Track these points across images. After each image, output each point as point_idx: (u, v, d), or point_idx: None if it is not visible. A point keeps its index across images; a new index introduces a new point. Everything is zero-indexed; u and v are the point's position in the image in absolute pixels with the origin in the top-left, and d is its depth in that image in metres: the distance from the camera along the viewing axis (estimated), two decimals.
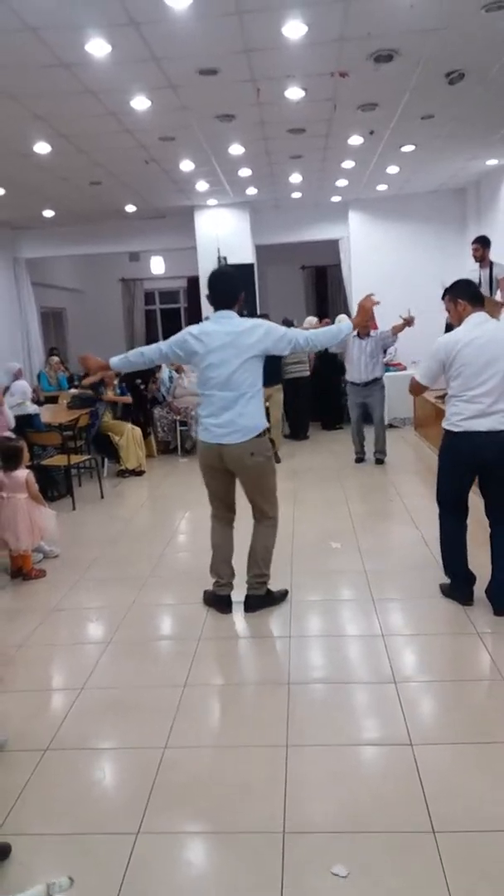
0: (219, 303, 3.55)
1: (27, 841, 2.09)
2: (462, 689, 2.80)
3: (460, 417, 3.40)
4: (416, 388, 3.75)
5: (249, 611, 3.66)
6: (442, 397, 6.86)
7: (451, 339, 3.45)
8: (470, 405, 3.36)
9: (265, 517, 3.68)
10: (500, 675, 2.86)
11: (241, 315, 3.57)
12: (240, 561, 3.75)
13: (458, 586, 3.63)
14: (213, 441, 3.48)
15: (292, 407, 8.42)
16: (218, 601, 3.73)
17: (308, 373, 8.73)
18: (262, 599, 3.69)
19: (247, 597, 3.70)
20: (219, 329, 3.46)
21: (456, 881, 1.83)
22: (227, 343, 3.42)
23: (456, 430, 3.42)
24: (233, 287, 3.57)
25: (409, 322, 6.33)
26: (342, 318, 7.51)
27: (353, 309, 9.95)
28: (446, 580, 3.74)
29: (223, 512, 3.77)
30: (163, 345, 3.63)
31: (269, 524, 3.70)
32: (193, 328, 3.56)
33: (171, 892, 1.88)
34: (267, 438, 3.57)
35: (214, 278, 3.61)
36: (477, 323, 3.41)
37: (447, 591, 3.69)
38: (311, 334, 3.58)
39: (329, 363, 8.82)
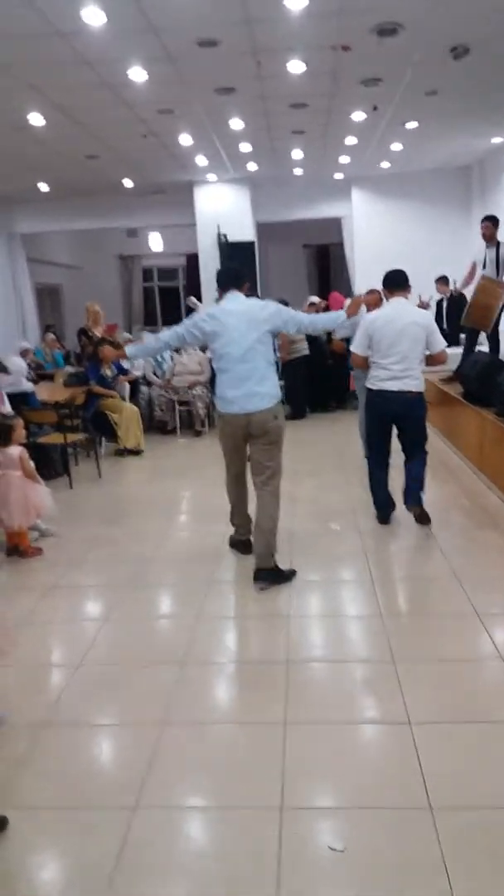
0: (227, 285, 3.87)
1: (24, 815, 2.10)
2: (461, 669, 2.81)
3: (377, 379, 4.36)
4: (355, 358, 4.56)
5: (259, 582, 3.70)
6: (445, 380, 6.87)
7: (373, 317, 4.43)
8: (384, 370, 4.30)
9: (271, 481, 3.82)
10: (500, 655, 2.87)
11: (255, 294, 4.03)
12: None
13: (380, 510, 4.58)
14: (240, 412, 3.72)
15: (292, 387, 8.38)
16: (240, 544, 4.16)
17: (307, 352, 8.67)
18: (272, 573, 3.73)
19: (257, 570, 3.74)
20: (232, 308, 3.76)
21: (453, 857, 1.85)
22: (242, 319, 3.70)
23: (374, 388, 4.39)
24: (240, 273, 3.95)
25: (424, 306, 6.26)
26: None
27: (357, 290, 9.94)
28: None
29: (241, 471, 4.02)
30: (179, 328, 3.87)
31: (273, 490, 3.83)
32: (209, 311, 3.88)
33: (169, 866, 1.90)
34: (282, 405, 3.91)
35: (224, 266, 4.30)
36: (394, 306, 4.37)
37: (378, 519, 4.57)
38: (313, 318, 4.15)
39: (320, 347, 8.77)
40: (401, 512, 4.78)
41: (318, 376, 8.97)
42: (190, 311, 4.66)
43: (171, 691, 2.73)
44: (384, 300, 5.09)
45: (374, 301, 5.50)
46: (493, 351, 6.55)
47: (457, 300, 8.00)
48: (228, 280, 3.90)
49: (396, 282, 4.42)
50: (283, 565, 3.86)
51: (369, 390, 4.44)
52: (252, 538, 3.91)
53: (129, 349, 4.06)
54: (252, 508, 4.02)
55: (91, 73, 5.16)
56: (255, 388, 3.70)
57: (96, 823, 2.06)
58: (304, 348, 8.57)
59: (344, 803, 2.11)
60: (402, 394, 4.27)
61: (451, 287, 7.12)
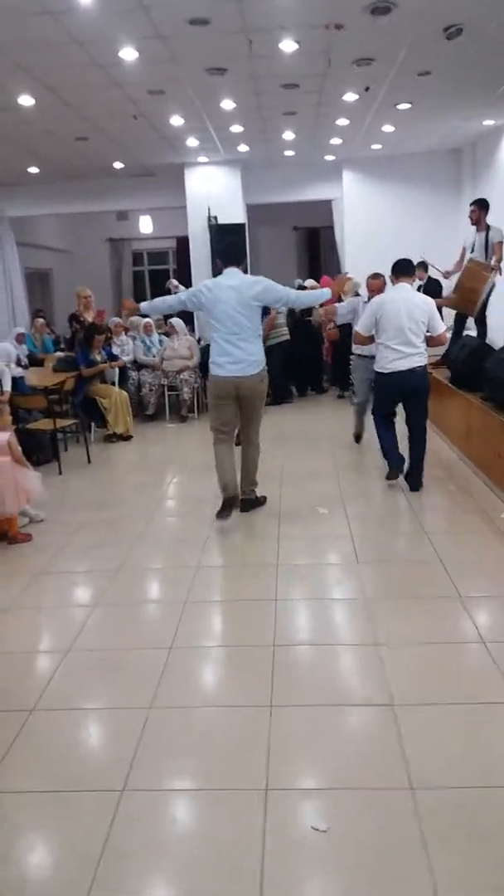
0: (228, 261, 4.44)
1: (13, 798, 2.13)
2: (444, 652, 2.85)
3: (387, 360, 4.69)
4: (358, 337, 5.05)
5: (245, 510, 4.58)
6: (433, 365, 6.88)
7: (380, 300, 4.79)
8: (393, 351, 4.64)
9: (253, 442, 4.60)
10: (481, 638, 2.91)
11: (246, 272, 4.54)
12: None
13: (392, 463, 4.91)
14: (229, 375, 4.30)
15: (274, 372, 8.28)
16: (230, 501, 4.45)
17: (288, 337, 8.61)
18: (254, 502, 4.67)
19: (242, 501, 4.56)
20: (226, 283, 4.32)
21: (432, 835, 1.89)
22: (234, 293, 4.26)
23: (385, 371, 4.72)
24: (240, 250, 4.69)
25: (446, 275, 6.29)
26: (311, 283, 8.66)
27: (345, 270, 9.89)
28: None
29: (228, 434, 4.55)
30: (182, 295, 4.62)
31: (255, 447, 4.63)
32: (207, 282, 4.50)
33: (155, 847, 1.93)
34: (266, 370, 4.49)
35: (227, 244, 4.91)
36: (399, 290, 4.75)
37: (387, 475, 4.95)
38: (299, 294, 4.66)
39: (303, 329, 8.74)
40: (388, 497, 4.81)
41: (304, 357, 8.99)
42: (170, 292, 5.04)
43: (159, 675, 2.76)
44: (388, 285, 5.20)
45: (378, 287, 5.60)
46: (481, 336, 6.56)
47: (433, 285, 8.02)
48: (230, 256, 4.45)
49: (404, 268, 4.82)
50: (271, 550, 3.94)
51: (380, 373, 4.80)
52: (239, 480, 4.56)
53: (142, 305, 4.65)
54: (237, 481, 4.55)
55: (81, 52, 5.08)
56: (243, 355, 4.28)
57: (84, 807, 2.09)
58: (283, 333, 8.52)
59: (327, 784, 2.14)
60: (411, 371, 4.64)
61: (441, 270, 7.11)
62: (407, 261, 4.86)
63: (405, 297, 4.67)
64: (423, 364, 4.70)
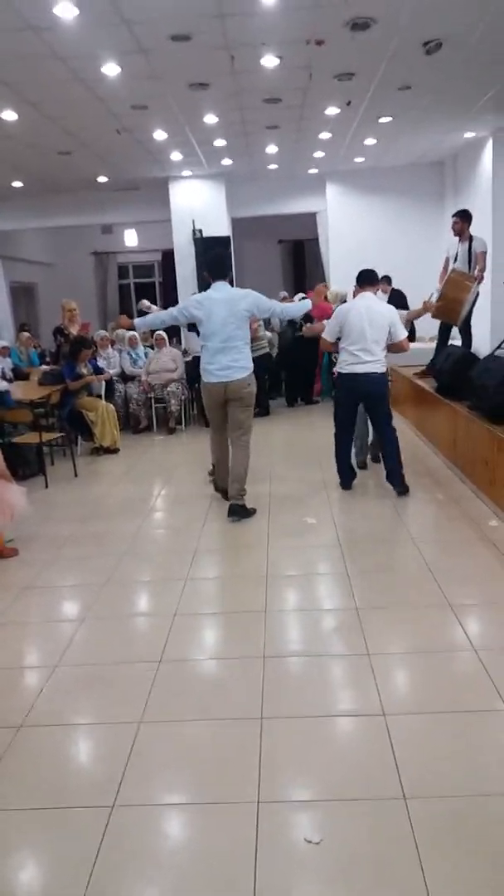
0: (217, 275, 4.72)
1: (2, 816, 2.09)
2: (434, 660, 2.85)
3: (346, 363, 4.94)
4: (324, 343, 5.20)
5: (233, 516, 4.70)
6: (420, 374, 6.93)
7: (345, 307, 5.00)
8: (352, 356, 4.88)
9: (243, 437, 4.80)
10: (472, 646, 2.91)
11: (232, 285, 4.83)
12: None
13: (343, 479, 5.26)
14: (218, 381, 4.66)
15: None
16: (224, 492, 4.95)
17: (266, 350, 8.65)
18: (243, 509, 4.75)
19: (231, 506, 4.74)
20: (216, 296, 4.63)
21: (426, 845, 1.87)
22: (224, 306, 4.58)
23: (343, 371, 4.99)
24: (226, 263, 4.91)
25: (428, 309, 6.05)
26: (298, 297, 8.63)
27: (331, 283, 9.98)
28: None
29: (220, 433, 4.94)
30: (173, 310, 4.88)
31: (245, 443, 4.81)
32: (196, 296, 4.86)
33: (147, 863, 1.90)
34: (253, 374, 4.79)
35: (213, 256, 5.03)
36: (362, 298, 4.98)
37: (341, 486, 5.25)
38: (285, 306, 5.08)
39: (297, 340, 8.79)
40: (376, 506, 4.82)
41: (294, 369, 9.02)
42: (142, 313, 5.20)
43: (149, 689, 2.73)
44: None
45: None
46: (466, 345, 6.61)
47: (397, 296, 8.08)
48: (218, 270, 4.74)
49: (368, 278, 5.08)
50: (261, 560, 3.92)
51: (339, 374, 5.06)
52: (228, 483, 4.84)
53: (136, 321, 5.06)
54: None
55: (64, 68, 5.11)
56: (231, 363, 4.63)
57: (74, 823, 2.06)
58: (263, 346, 8.55)
59: (319, 796, 2.13)
60: (368, 375, 4.88)
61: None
62: (370, 271, 5.09)
63: (368, 306, 4.90)
64: (379, 371, 4.93)
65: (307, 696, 2.64)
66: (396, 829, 1.94)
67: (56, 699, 2.72)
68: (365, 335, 4.82)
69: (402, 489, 4.98)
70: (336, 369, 5.09)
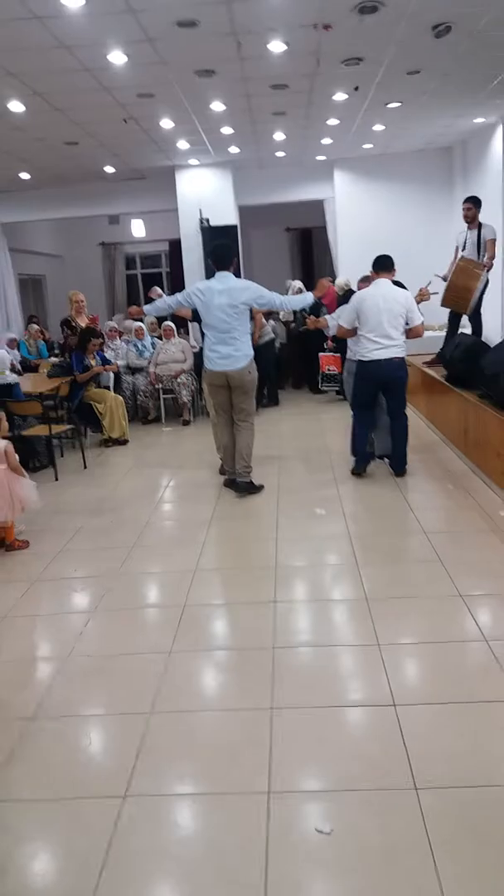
0: (219, 265, 4.83)
1: (14, 807, 2.11)
2: (445, 650, 2.84)
3: (367, 350, 4.99)
4: (340, 330, 5.24)
5: (238, 493, 4.96)
6: (430, 362, 6.89)
7: (361, 294, 5.12)
8: (372, 343, 4.95)
9: (247, 419, 5.00)
10: (483, 637, 2.90)
11: (237, 276, 4.91)
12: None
13: (358, 461, 5.26)
14: (219, 369, 4.81)
15: (263, 374, 8.21)
16: (232, 483, 5.09)
17: (272, 336, 8.60)
18: (248, 485, 4.99)
19: (238, 483, 4.98)
20: (217, 286, 4.75)
21: (437, 835, 1.87)
22: (225, 296, 4.70)
23: (365, 359, 5.01)
24: (229, 253, 4.90)
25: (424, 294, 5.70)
26: (298, 284, 8.85)
27: (339, 271, 9.92)
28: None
29: (226, 417, 5.07)
30: (178, 296, 4.99)
31: (249, 424, 5.01)
32: (199, 284, 4.91)
33: (158, 853, 1.91)
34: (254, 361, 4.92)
35: (216, 247, 5.08)
36: (379, 285, 5.02)
37: (352, 470, 5.27)
38: (285, 298, 5.10)
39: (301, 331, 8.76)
40: (385, 497, 4.80)
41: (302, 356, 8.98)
42: (151, 300, 5.18)
43: (159, 680, 2.74)
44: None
45: (326, 284, 5.70)
46: (476, 332, 6.56)
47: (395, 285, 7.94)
48: (221, 260, 4.83)
49: (384, 265, 5.08)
50: (269, 551, 3.92)
51: (360, 362, 5.08)
52: (235, 461, 5.02)
53: (145, 307, 5.18)
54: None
55: (70, 57, 5.06)
56: (232, 351, 4.77)
57: (85, 814, 2.07)
58: (268, 332, 8.50)
59: (330, 786, 2.13)
60: (390, 361, 4.94)
61: (441, 276, 7.01)
62: (386, 257, 5.10)
63: (384, 293, 4.96)
64: (400, 356, 4.98)
65: (317, 687, 2.64)
66: (408, 820, 1.94)
67: (67, 690, 2.74)
68: (382, 322, 4.89)
69: (402, 472, 5.15)
70: (356, 357, 5.13)
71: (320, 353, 8.62)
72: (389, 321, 4.89)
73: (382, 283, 5.02)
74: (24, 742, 2.42)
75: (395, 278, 5.22)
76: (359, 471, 5.24)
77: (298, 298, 5.30)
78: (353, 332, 5.11)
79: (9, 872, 1.87)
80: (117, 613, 3.40)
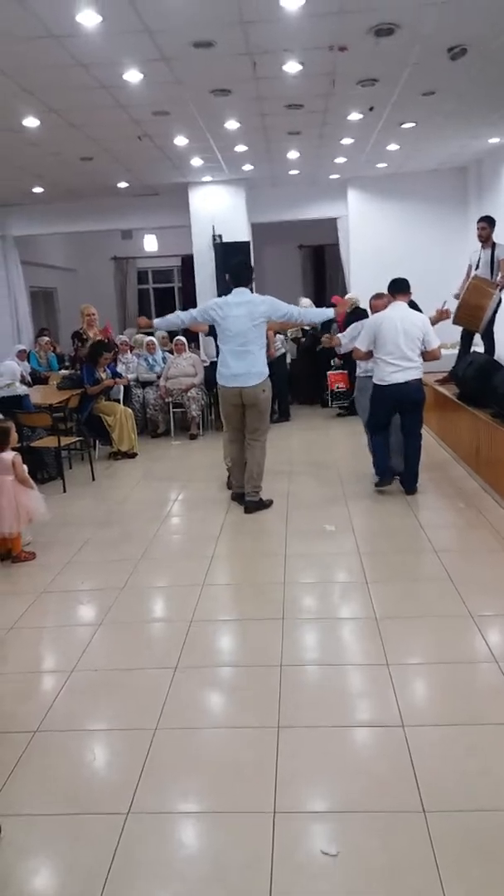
0: (238, 281, 4.89)
1: (18, 822, 2.08)
2: (455, 671, 2.80)
3: (385, 374, 4.97)
4: (357, 353, 5.23)
5: (248, 512, 4.92)
6: (441, 381, 6.87)
7: (378, 318, 5.08)
8: (390, 366, 4.94)
9: (259, 437, 4.99)
10: (493, 658, 2.86)
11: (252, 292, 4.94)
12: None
13: (381, 476, 5.21)
14: (234, 385, 4.82)
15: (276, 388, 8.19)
16: (239, 497, 5.10)
17: (284, 350, 8.60)
18: (257, 504, 4.96)
19: (246, 503, 4.96)
20: (235, 301, 4.82)
21: (445, 859, 1.83)
22: (241, 311, 4.75)
23: (383, 383, 5.00)
24: (247, 271, 5.02)
25: (443, 314, 5.55)
26: (307, 302, 8.82)
27: (351, 289, 9.94)
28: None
29: (238, 434, 5.06)
30: (193, 311, 5.03)
31: (261, 444, 4.99)
32: (217, 300, 4.97)
33: (161, 871, 1.88)
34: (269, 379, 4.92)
35: (235, 265, 5.19)
36: (396, 307, 5.03)
37: (377, 484, 5.22)
38: (304, 311, 5.14)
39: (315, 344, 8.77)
40: (396, 514, 4.77)
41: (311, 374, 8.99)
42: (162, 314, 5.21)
43: (165, 695, 2.72)
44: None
45: (381, 306, 5.48)
46: (488, 351, 6.54)
47: (410, 306, 7.90)
48: (239, 277, 4.89)
49: (400, 287, 5.12)
50: (278, 567, 3.90)
51: (378, 385, 5.05)
52: (244, 480, 5.01)
53: (155, 321, 5.18)
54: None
55: (86, 75, 5.14)
56: (248, 368, 4.77)
57: (89, 830, 2.04)
58: (279, 347, 8.51)
59: (337, 807, 2.09)
60: (407, 383, 4.94)
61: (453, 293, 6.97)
62: (403, 280, 5.13)
63: (402, 315, 4.96)
64: (418, 377, 4.99)
65: (325, 706, 2.60)
66: (415, 843, 1.90)
67: (72, 704, 2.71)
68: (400, 345, 4.89)
69: (413, 490, 5.14)
70: (374, 381, 5.08)
71: (328, 372, 8.63)
72: (407, 343, 4.89)
73: (399, 306, 5.03)
74: (28, 755, 2.40)
75: (412, 300, 5.22)
76: (383, 486, 5.21)
77: (317, 311, 5.35)
78: (370, 354, 5.10)
79: (11, 886, 1.85)
80: (124, 627, 3.38)
